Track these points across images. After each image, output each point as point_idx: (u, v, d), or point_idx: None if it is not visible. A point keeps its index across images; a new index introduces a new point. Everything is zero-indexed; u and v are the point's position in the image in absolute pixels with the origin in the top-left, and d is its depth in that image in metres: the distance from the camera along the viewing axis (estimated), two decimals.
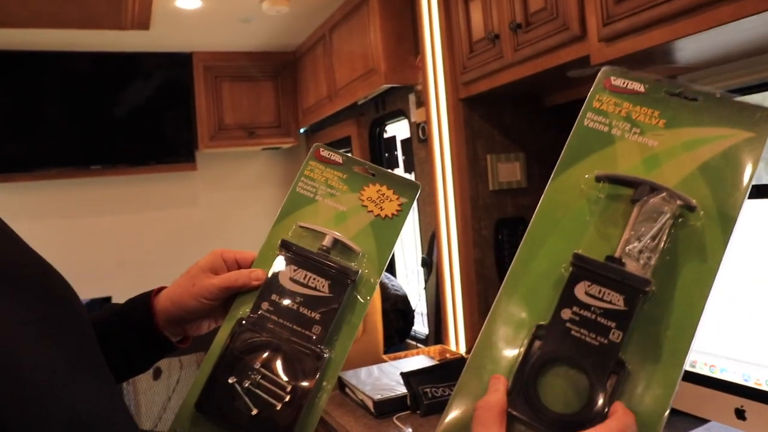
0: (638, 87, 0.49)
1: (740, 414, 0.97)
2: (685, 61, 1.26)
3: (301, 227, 0.59)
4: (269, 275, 0.58)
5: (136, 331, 0.63)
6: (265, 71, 2.98)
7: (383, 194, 0.57)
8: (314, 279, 0.56)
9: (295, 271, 0.57)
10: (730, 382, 0.99)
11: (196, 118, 2.88)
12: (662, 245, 0.42)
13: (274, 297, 0.56)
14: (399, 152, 2.40)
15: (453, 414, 0.44)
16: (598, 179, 0.46)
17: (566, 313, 0.43)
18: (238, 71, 2.93)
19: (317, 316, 0.55)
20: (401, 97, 2.25)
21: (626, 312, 0.41)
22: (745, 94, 1.37)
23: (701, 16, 0.95)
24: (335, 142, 2.91)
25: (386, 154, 2.55)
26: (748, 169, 0.43)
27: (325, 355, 0.54)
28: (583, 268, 0.43)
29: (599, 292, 0.42)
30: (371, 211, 0.57)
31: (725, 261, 0.42)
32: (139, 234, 3.03)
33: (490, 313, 0.46)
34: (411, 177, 0.60)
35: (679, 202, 0.43)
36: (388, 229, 0.56)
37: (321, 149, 0.61)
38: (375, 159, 2.63)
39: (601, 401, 0.40)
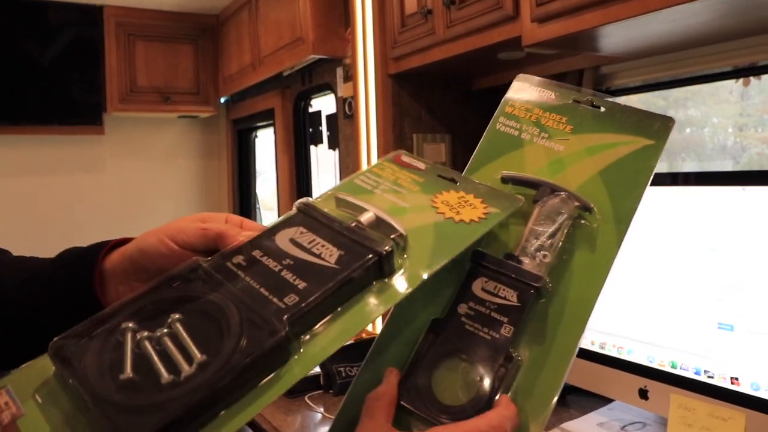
0: (548, 94, 0.52)
1: (643, 394, 1.01)
2: (611, 50, 1.28)
3: (339, 199, 0.46)
4: (264, 230, 0.45)
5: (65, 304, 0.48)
6: (185, 33, 2.80)
7: (465, 200, 0.45)
8: (322, 245, 0.42)
9: (302, 233, 0.43)
10: (635, 363, 1.03)
11: (105, 78, 2.67)
12: (559, 244, 0.44)
13: (255, 253, 0.42)
14: (324, 128, 2.33)
15: (346, 405, 0.44)
16: (504, 180, 0.48)
17: (462, 308, 0.44)
18: (154, 30, 2.73)
19: (301, 285, 0.39)
20: (329, 70, 2.18)
21: (519, 307, 0.42)
22: (664, 88, 1.42)
23: (632, 2, 0.95)
24: (258, 114, 2.79)
25: (310, 129, 2.48)
26: (644, 175, 0.46)
27: (281, 333, 0.36)
28: (481, 265, 0.45)
29: (495, 288, 0.44)
30: (442, 213, 0.44)
31: (617, 260, 0.44)
32: (34, 199, 2.78)
33: (391, 310, 0.46)
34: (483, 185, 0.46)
35: (576, 203, 0.45)
36: (458, 232, 0.43)
37: (403, 155, 0.51)
38: (298, 133, 2.54)
39: (487, 393, 0.40)
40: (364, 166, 1.77)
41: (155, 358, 0.36)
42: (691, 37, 1.18)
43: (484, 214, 0.44)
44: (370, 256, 0.40)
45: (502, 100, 0.54)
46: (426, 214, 0.45)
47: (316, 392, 1.31)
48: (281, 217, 0.46)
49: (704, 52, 1.25)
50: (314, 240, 0.43)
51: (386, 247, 0.40)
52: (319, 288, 0.39)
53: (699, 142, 1.55)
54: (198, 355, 0.35)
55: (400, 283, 0.40)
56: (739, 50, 1.21)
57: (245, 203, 3.16)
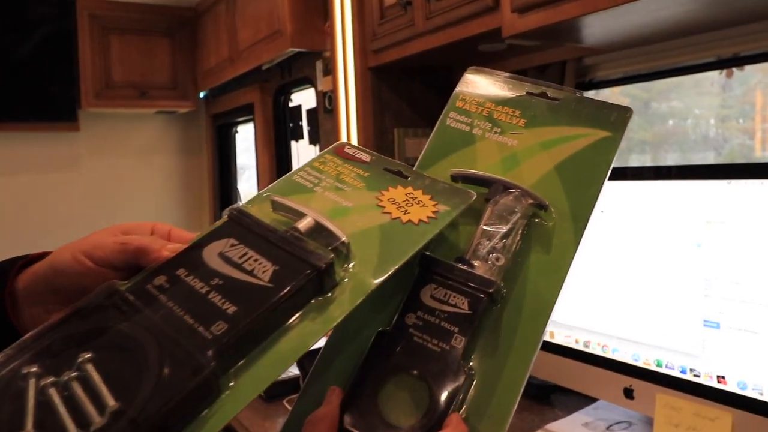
0: (501, 87, 0.49)
1: (628, 393, 0.99)
2: (594, 41, 1.25)
3: (275, 202, 0.41)
4: (190, 244, 0.40)
5: None
6: (161, 26, 2.73)
7: (414, 198, 0.42)
8: (255, 260, 0.37)
9: (233, 246, 0.38)
10: (620, 362, 1.00)
11: (79, 73, 2.59)
12: (513, 245, 0.41)
13: (180, 272, 0.37)
14: (304, 122, 2.29)
15: (286, 430, 0.41)
16: (454, 178, 0.45)
17: (410, 318, 0.40)
18: (129, 24, 2.66)
19: (231, 309, 0.34)
20: (308, 63, 2.13)
21: (470, 315, 0.39)
22: (647, 80, 1.40)
23: None
24: (238, 108, 2.74)
25: (291, 124, 2.43)
26: (602, 169, 0.43)
27: (207, 370, 0.32)
28: (430, 270, 0.41)
29: (445, 295, 0.40)
30: (388, 213, 0.41)
31: (576, 261, 0.41)
32: (6, 198, 2.70)
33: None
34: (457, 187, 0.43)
35: (530, 201, 0.42)
36: (406, 235, 0.39)
37: (347, 146, 0.47)
38: (279, 128, 2.49)
39: (438, 412, 0.37)
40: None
41: (61, 409, 0.31)
42: (674, 28, 1.16)
43: (434, 212, 0.40)
44: (308, 271, 0.36)
45: (453, 94, 0.51)
46: (371, 215, 0.41)
47: (294, 395, 1.28)
48: (211, 227, 0.41)
49: (687, 42, 1.23)
50: (246, 254, 0.38)
51: (325, 261, 0.36)
52: (251, 312, 0.34)
53: (682, 133, 1.55)
54: (111, 402, 0.31)
55: (343, 299, 0.36)
56: (722, 41, 1.18)
57: (226, 199, 3.11)
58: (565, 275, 0.40)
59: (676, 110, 1.55)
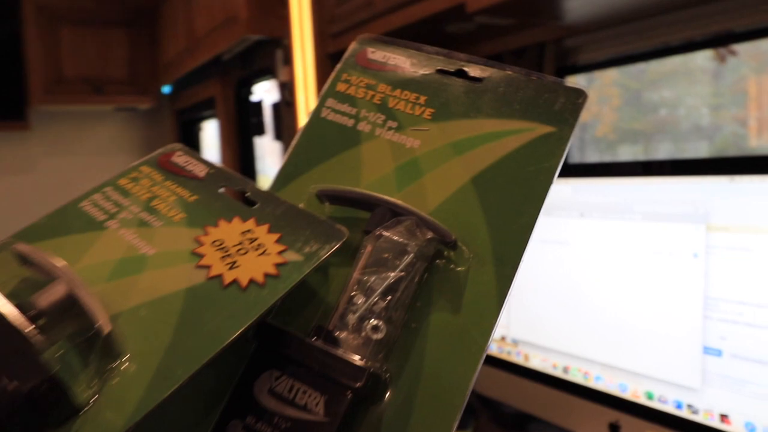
0: (402, 62, 0.34)
1: (614, 429, 0.84)
2: (574, 18, 1.10)
3: (22, 254, 0.27)
4: None
5: None
6: (116, 16, 2.55)
7: (252, 239, 0.27)
8: None
9: None
10: (604, 393, 0.85)
11: (26, 68, 2.41)
12: (403, 303, 0.27)
13: None
14: (267, 117, 2.13)
15: None
16: (319, 198, 0.31)
17: (235, 428, 0.24)
18: (81, 14, 2.47)
19: None
20: (269, 53, 1.97)
21: (325, 426, 0.24)
22: (636, 62, 1.25)
23: None
24: (201, 103, 2.57)
25: (254, 119, 2.27)
26: (540, 182, 0.29)
27: None
28: (270, 349, 0.26)
29: (290, 389, 0.24)
30: (205, 266, 0.25)
31: (500, 323, 0.26)
32: None
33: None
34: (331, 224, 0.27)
35: (428, 234, 0.28)
36: (225, 306, 0.24)
37: (176, 153, 0.32)
38: (242, 123, 2.33)
39: None
40: None
41: None
42: (663, 1, 1.01)
43: (276, 266, 0.24)
44: (8, 395, 0.19)
45: (333, 73, 0.35)
46: (177, 271, 0.25)
47: None
48: None
49: (678, 18, 1.08)
50: None
51: (39, 378, 0.20)
52: None
53: (674, 122, 1.51)
54: None
55: None
56: (714, 16, 1.04)
57: None
58: (485, 347, 0.24)
59: (667, 100, 1.50)
